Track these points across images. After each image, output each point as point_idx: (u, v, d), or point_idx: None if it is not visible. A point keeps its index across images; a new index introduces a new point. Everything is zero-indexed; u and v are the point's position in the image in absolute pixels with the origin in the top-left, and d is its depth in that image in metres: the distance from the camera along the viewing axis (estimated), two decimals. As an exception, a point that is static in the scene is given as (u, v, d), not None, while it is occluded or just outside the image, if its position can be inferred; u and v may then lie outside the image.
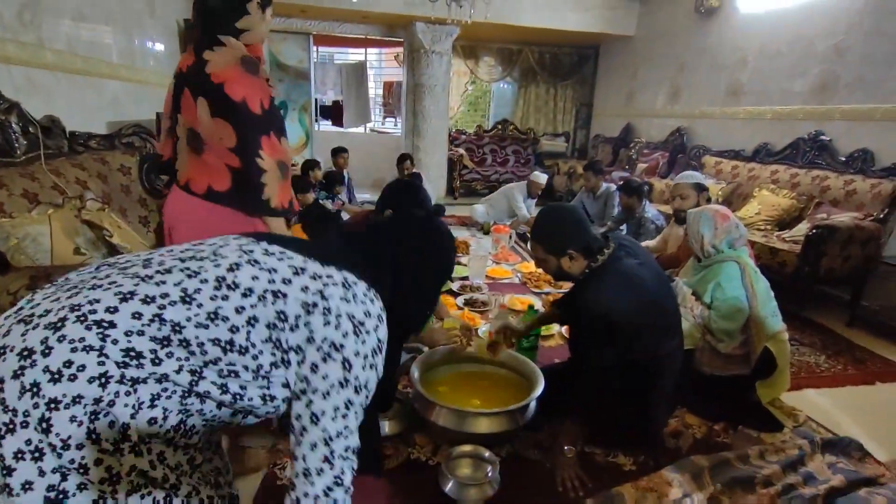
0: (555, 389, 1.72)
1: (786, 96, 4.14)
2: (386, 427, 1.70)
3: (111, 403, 0.67)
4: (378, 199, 2.09)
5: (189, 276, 0.78)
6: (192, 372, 0.74)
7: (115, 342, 0.69)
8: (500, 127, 7.21)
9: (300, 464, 0.82)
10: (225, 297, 0.78)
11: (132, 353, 0.69)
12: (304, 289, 0.84)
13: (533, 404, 1.71)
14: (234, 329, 0.78)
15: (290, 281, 0.84)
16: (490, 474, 1.48)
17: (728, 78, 4.73)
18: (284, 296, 0.82)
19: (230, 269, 0.81)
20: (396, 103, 7.79)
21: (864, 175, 3.36)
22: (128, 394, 0.69)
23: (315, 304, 0.84)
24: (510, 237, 4.09)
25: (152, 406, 0.71)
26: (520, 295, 2.98)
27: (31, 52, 2.32)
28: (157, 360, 0.71)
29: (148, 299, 0.73)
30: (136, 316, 0.71)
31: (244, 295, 0.80)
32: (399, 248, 1.06)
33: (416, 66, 6.05)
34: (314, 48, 6.60)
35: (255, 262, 0.84)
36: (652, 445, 1.72)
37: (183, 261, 0.81)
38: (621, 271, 1.52)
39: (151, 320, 0.72)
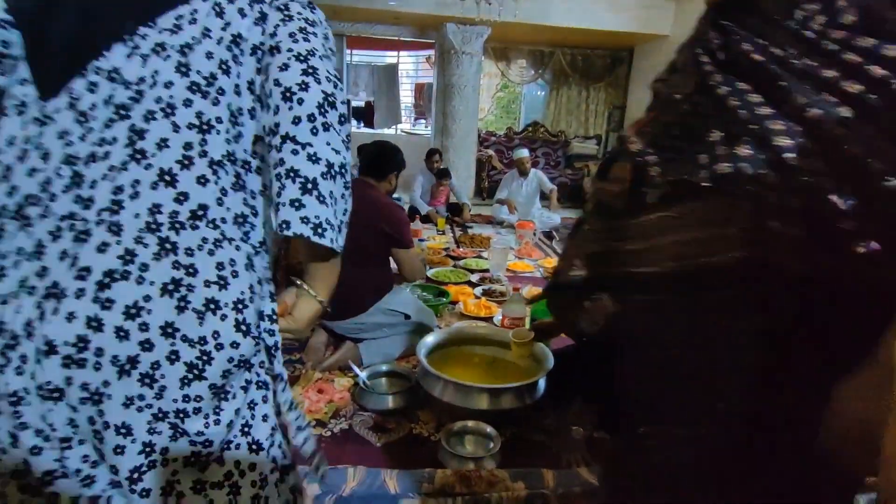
0: (566, 372, 1.66)
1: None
2: (389, 402, 1.69)
3: None
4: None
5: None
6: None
7: None
8: (530, 129, 7.15)
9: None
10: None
11: None
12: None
13: (541, 383, 1.66)
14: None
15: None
16: (492, 449, 1.45)
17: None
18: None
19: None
20: (427, 104, 7.87)
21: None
22: None
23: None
24: (534, 233, 4.04)
25: None
26: (539, 287, 2.93)
27: None
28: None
29: None
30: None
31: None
32: None
33: (446, 67, 6.09)
34: (347, 50, 6.74)
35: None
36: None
37: None
38: None
39: None
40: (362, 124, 7.85)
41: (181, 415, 0.59)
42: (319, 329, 2.20)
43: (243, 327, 0.61)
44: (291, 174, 0.62)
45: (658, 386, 0.65)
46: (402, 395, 1.71)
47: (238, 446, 0.65)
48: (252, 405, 0.66)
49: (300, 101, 0.62)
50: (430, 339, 1.83)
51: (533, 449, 1.56)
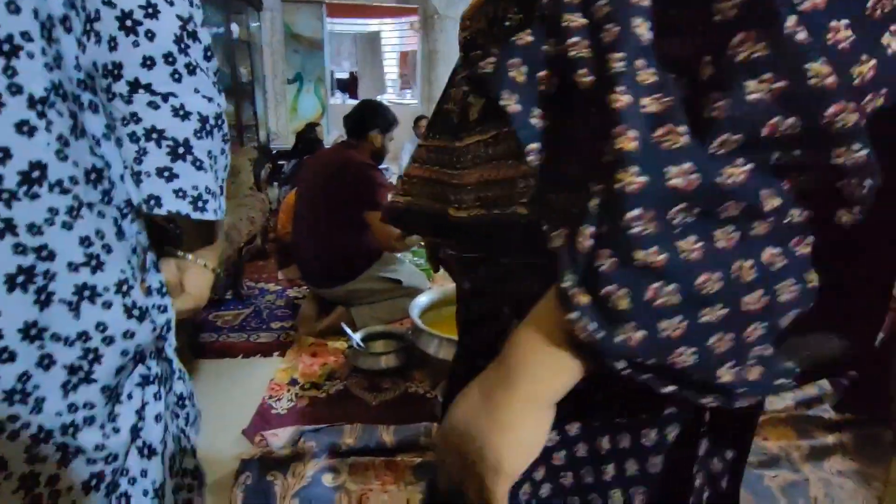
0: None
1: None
2: (382, 361, 1.68)
3: None
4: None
5: None
6: None
7: None
8: (518, 94, 7.04)
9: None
10: None
11: None
12: None
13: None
14: None
15: None
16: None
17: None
18: None
19: None
20: (412, 73, 7.71)
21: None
22: None
23: None
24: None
25: None
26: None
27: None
28: None
29: None
30: None
31: None
32: None
33: (430, 33, 5.94)
34: (328, 18, 6.54)
35: None
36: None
37: None
38: None
39: None
40: (347, 96, 7.70)
41: (70, 429, 0.45)
42: (310, 297, 2.18)
43: (136, 311, 0.48)
44: (154, 135, 0.49)
45: None
46: (397, 355, 1.70)
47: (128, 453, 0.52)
48: (142, 406, 0.53)
49: (149, 35, 0.48)
50: (423, 299, 1.82)
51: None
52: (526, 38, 0.33)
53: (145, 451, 0.53)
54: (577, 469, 0.43)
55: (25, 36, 0.40)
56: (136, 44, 0.48)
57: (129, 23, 0.47)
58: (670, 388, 0.30)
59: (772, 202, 0.28)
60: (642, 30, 0.29)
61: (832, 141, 0.25)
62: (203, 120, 0.52)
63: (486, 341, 0.45)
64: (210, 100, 0.53)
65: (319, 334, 1.98)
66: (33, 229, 0.41)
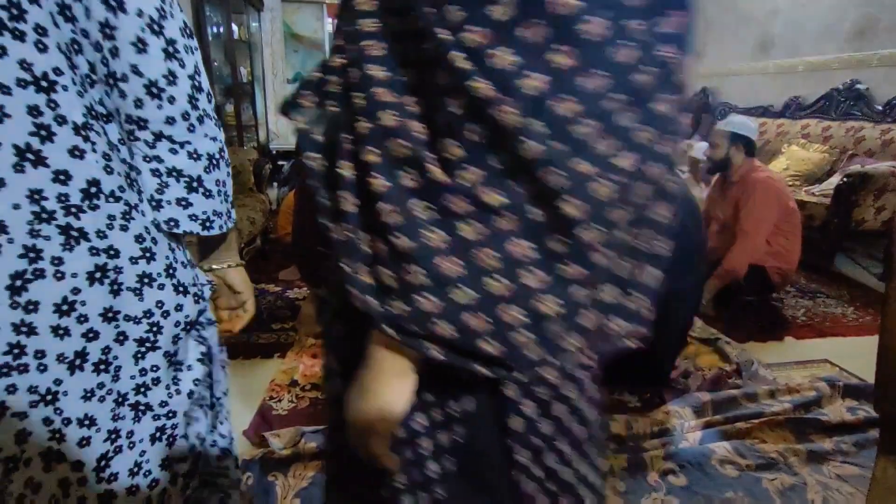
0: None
1: (819, 46, 3.89)
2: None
3: None
4: None
5: None
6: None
7: None
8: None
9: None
10: None
11: None
12: None
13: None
14: None
15: None
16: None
17: (757, 31, 4.48)
18: None
19: None
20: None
21: (903, 123, 3.15)
22: None
23: None
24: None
25: None
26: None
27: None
28: None
29: None
30: None
31: None
32: None
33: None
34: (328, 18, 6.53)
35: None
36: (659, 384, 1.66)
37: None
38: None
39: None
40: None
41: (142, 389, 0.58)
42: (311, 298, 2.18)
43: (181, 289, 0.60)
44: (174, 173, 0.59)
45: None
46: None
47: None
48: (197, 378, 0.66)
49: (171, 100, 0.56)
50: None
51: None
52: (315, 73, 0.46)
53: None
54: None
55: (57, 71, 0.48)
56: (160, 107, 0.56)
57: (154, 90, 0.55)
58: (442, 357, 0.36)
59: (495, 199, 0.33)
60: (376, 71, 0.38)
61: (509, 136, 0.32)
62: (210, 157, 0.62)
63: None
64: (214, 139, 0.62)
65: (320, 335, 1.98)
66: (100, 234, 0.52)
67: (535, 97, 0.31)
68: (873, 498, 0.80)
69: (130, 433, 0.58)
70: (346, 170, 0.39)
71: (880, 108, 3.34)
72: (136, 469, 0.59)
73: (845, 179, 2.76)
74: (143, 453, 0.60)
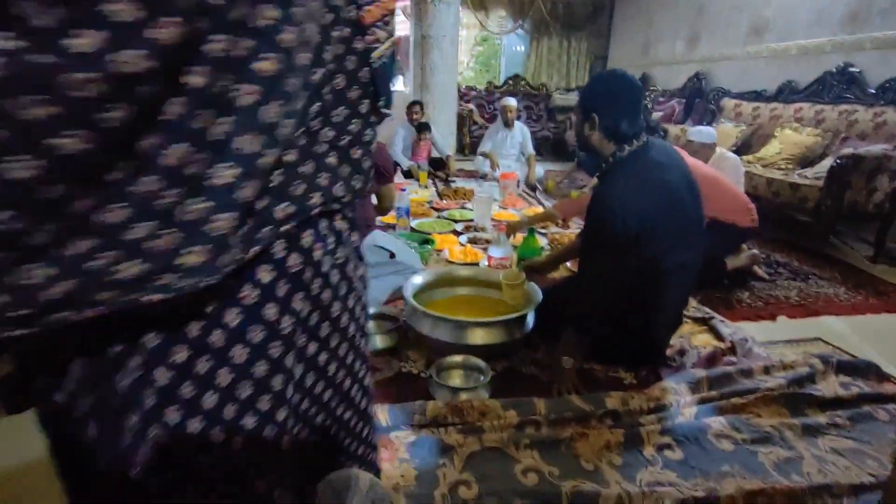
0: (555, 306, 1.65)
1: (813, 29, 3.88)
2: (378, 341, 1.66)
3: None
4: None
5: None
6: None
7: None
8: (511, 83, 6.99)
9: None
10: None
11: None
12: None
13: (531, 317, 1.64)
14: None
15: None
16: (483, 380, 1.44)
17: (751, 15, 4.46)
18: None
19: None
20: (405, 59, 7.61)
21: (896, 106, 3.16)
22: None
23: None
24: (517, 184, 3.98)
25: None
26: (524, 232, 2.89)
27: None
28: None
29: None
30: None
31: None
32: None
33: (422, 17, 5.84)
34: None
35: None
36: (654, 362, 1.65)
37: None
38: (640, 169, 1.42)
39: None
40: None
41: None
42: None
43: None
44: None
45: None
46: (390, 336, 1.68)
47: None
48: None
49: None
50: (416, 280, 1.80)
51: (524, 381, 1.56)
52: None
53: None
54: None
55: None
56: None
57: None
58: None
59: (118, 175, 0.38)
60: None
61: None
62: None
63: None
64: None
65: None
66: None
67: None
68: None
69: None
70: None
71: (873, 90, 3.34)
72: None
73: (838, 162, 2.76)
74: None
